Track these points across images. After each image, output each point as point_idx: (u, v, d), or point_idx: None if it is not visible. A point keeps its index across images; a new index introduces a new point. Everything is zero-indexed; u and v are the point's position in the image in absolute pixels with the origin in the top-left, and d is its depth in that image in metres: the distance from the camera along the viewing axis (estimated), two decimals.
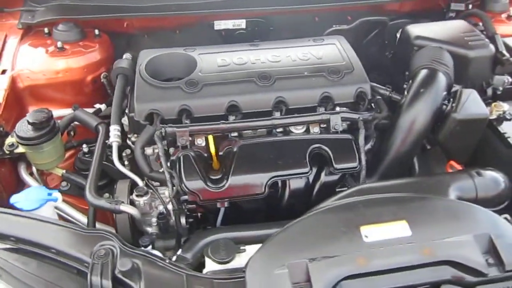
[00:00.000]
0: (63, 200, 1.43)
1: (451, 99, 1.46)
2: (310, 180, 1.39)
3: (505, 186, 1.34)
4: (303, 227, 1.14)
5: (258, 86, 1.46)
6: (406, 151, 1.46)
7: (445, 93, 1.48)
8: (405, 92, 1.49)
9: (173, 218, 1.34)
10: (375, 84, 1.58)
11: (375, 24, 2.03)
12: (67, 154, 1.62)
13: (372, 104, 1.57)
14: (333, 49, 1.62)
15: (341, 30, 1.94)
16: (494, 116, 1.57)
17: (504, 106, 1.59)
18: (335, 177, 1.39)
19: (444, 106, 1.45)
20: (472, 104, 1.43)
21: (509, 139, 1.50)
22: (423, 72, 1.50)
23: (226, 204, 1.33)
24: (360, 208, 1.18)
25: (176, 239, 1.30)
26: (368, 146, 1.48)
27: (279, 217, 1.28)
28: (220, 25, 2.01)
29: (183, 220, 1.37)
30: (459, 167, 1.46)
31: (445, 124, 1.43)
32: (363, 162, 1.37)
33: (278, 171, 1.31)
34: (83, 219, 1.46)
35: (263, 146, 1.36)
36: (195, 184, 1.28)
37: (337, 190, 1.40)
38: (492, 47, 1.65)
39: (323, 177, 1.37)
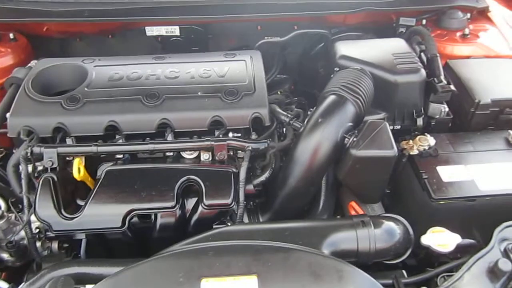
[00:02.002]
0: None
1: (356, 132, 1.28)
2: (184, 214, 1.26)
3: (401, 238, 1.17)
4: (137, 274, 1.01)
5: (144, 105, 1.34)
6: (301, 186, 1.30)
7: (350, 124, 1.30)
8: (306, 120, 1.33)
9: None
10: (278, 109, 1.42)
11: (321, 37, 1.86)
12: None
13: (284, 131, 1.43)
14: (240, 67, 1.47)
15: (274, 42, 1.78)
16: (415, 152, 1.39)
17: (430, 140, 1.40)
18: (212, 213, 1.25)
19: (346, 140, 1.28)
20: (377, 139, 1.25)
21: (426, 180, 1.32)
22: (328, 99, 1.33)
23: (84, 236, 1.22)
24: (209, 256, 1.04)
25: (28, 269, 1.21)
26: (262, 178, 1.33)
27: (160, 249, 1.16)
28: (153, 31, 1.90)
29: (54, 246, 1.27)
30: (359, 209, 1.29)
31: (344, 160, 1.26)
32: (242, 198, 1.22)
33: (139, 203, 1.19)
34: None
35: (130, 174, 1.24)
36: (47, 212, 1.18)
37: (214, 226, 1.26)
38: (423, 72, 1.46)
39: (197, 213, 1.24)
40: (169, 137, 1.34)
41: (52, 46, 1.92)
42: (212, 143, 1.29)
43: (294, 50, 1.99)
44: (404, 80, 1.44)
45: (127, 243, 1.28)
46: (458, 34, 1.74)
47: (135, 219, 1.26)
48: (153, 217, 1.25)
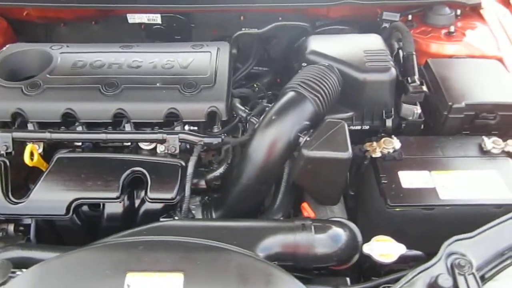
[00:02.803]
0: None
1: (311, 131, 1.24)
2: (133, 205, 1.25)
3: (346, 244, 1.12)
4: (65, 263, 1.02)
5: (102, 94, 1.33)
6: (252, 184, 1.26)
7: (307, 123, 1.26)
8: (262, 117, 1.29)
9: None
10: (237, 104, 1.39)
11: (304, 30, 1.80)
12: None
13: (244, 125, 1.40)
14: (204, 58, 1.44)
15: (251, 34, 1.74)
16: (378, 154, 1.33)
17: (395, 143, 1.34)
18: (158, 206, 1.24)
19: (301, 139, 1.23)
20: (332, 139, 1.20)
21: (384, 185, 1.27)
22: (286, 96, 1.29)
23: (31, 222, 1.23)
24: (139, 251, 1.03)
25: None
26: (216, 173, 1.31)
27: None
28: (134, 18, 1.89)
29: (10, 228, 1.30)
30: (310, 211, 1.25)
31: (297, 160, 1.22)
32: (187, 193, 1.20)
33: (84, 192, 1.18)
34: None
35: (79, 162, 1.24)
36: None
37: (161, 219, 1.25)
38: (393, 71, 1.39)
39: (144, 205, 1.23)
40: (128, 128, 1.34)
41: (37, 31, 1.94)
42: (164, 135, 1.27)
43: (280, 42, 1.95)
44: (372, 78, 1.38)
45: (78, 231, 1.29)
46: (444, 31, 1.65)
47: (85, 207, 1.27)
48: (102, 206, 1.25)
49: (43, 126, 1.34)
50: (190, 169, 1.21)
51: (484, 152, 1.36)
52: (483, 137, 1.37)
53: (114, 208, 1.23)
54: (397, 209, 1.23)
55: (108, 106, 1.31)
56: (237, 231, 1.10)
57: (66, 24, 1.95)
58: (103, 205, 1.24)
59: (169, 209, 1.25)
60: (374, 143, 1.35)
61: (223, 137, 1.30)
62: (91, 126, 1.35)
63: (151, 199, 1.19)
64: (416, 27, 1.70)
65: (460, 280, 1.01)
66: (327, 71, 1.35)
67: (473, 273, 1.02)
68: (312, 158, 1.17)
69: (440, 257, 1.06)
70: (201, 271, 0.99)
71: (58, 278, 0.97)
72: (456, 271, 1.03)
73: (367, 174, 1.35)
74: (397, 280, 1.05)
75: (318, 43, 1.49)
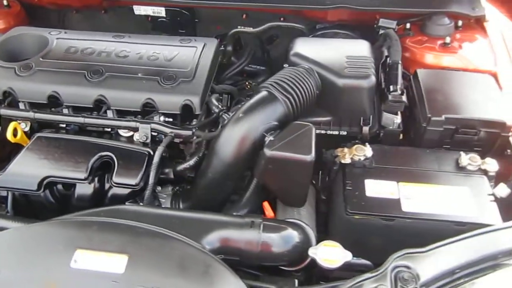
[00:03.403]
0: None
1: (278, 132, 1.25)
2: (102, 188, 1.30)
3: (296, 245, 1.14)
4: (21, 235, 1.09)
5: (86, 80, 1.39)
6: (217, 178, 1.28)
7: (275, 123, 1.27)
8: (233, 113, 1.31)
9: None
10: (212, 100, 1.41)
11: (299, 32, 1.81)
12: None
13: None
14: (189, 53, 1.47)
15: (247, 32, 1.76)
16: (347, 160, 1.32)
17: (367, 151, 1.33)
18: (125, 191, 1.28)
19: (266, 138, 1.24)
20: (296, 141, 1.20)
21: (348, 191, 1.26)
22: (258, 94, 1.30)
23: (7, 194, 1.31)
24: (92, 230, 1.08)
25: None
26: (185, 165, 1.35)
27: None
28: (140, 10, 1.96)
29: None
30: (270, 211, 1.26)
31: (259, 159, 1.24)
32: (151, 181, 1.25)
33: (55, 171, 1.25)
34: None
35: (56, 143, 1.31)
36: None
37: (127, 204, 1.30)
38: (372, 79, 1.37)
39: (112, 189, 1.28)
40: (110, 114, 1.40)
41: (51, 17, 2.05)
42: (138, 124, 1.32)
43: (281, 43, 1.96)
44: (350, 84, 1.36)
45: (51, 208, 1.36)
46: (439, 42, 1.61)
47: (60, 186, 1.34)
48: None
49: (34, 106, 1.43)
50: (156, 158, 1.26)
51: (460, 168, 1.32)
52: (461, 152, 1.34)
53: (84, 189, 1.29)
54: (357, 217, 1.22)
55: (90, 92, 1.38)
56: (187, 222, 1.13)
57: (77, 12, 2.05)
58: (75, 185, 1.30)
59: (136, 194, 1.30)
60: (345, 149, 1.34)
61: (194, 130, 1.33)
62: (78, 110, 1.42)
63: (115, 183, 1.24)
64: (412, 36, 1.66)
65: None
66: (304, 74, 1.35)
67: None
68: (273, 158, 1.19)
69: (386, 268, 1.05)
70: (145, 255, 1.03)
71: (10, 249, 1.03)
72: (399, 284, 1.02)
73: (336, 179, 1.35)
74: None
75: (303, 46, 1.49)
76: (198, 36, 1.98)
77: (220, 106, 1.39)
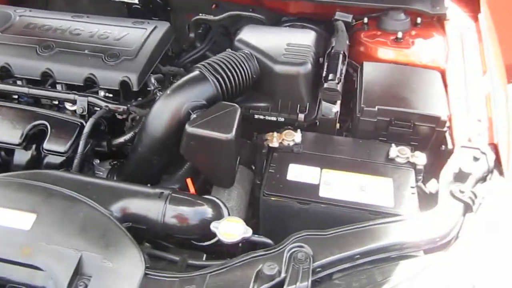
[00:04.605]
0: None
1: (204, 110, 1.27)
2: (39, 155, 1.36)
3: (205, 220, 1.15)
4: None
5: (37, 54, 1.46)
6: (145, 153, 1.32)
7: (203, 102, 1.29)
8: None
9: None
10: (151, 79, 1.45)
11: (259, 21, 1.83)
12: None
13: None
14: (138, 34, 1.52)
15: (207, 20, 1.80)
16: (275, 144, 1.34)
17: (296, 137, 1.34)
18: (58, 159, 1.34)
19: (192, 116, 1.27)
20: (219, 120, 1.22)
21: (269, 173, 1.27)
22: (190, 74, 1.34)
23: None
24: (10, 189, 1.15)
25: None
26: (121, 139, 1.39)
27: None
28: None
29: None
30: (191, 187, 1.28)
31: (182, 135, 1.26)
32: (80, 150, 1.29)
33: None
34: None
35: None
36: None
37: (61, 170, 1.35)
38: (308, 66, 1.38)
39: (46, 157, 1.34)
40: (59, 88, 1.46)
41: (36, 3, 2.15)
42: (76, 96, 1.38)
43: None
44: (285, 70, 1.38)
45: None
46: (392, 37, 1.60)
47: (3, 152, 1.41)
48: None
49: None
50: (86, 129, 1.31)
51: (389, 160, 1.31)
52: (392, 144, 1.33)
53: (21, 155, 1.35)
54: (273, 198, 1.23)
55: (39, 65, 1.44)
56: (99, 188, 1.17)
57: None
58: (14, 151, 1.37)
59: (69, 164, 1.35)
60: (275, 134, 1.35)
61: (128, 106, 1.37)
62: (32, 83, 1.49)
63: (45, 149, 1.30)
64: (367, 30, 1.65)
65: (293, 272, 1.00)
66: (239, 58, 1.38)
67: (308, 268, 1.01)
68: (193, 135, 1.21)
69: (283, 248, 1.06)
70: (52, 215, 1.08)
71: None
72: (292, 263, 1.02)
73: (264, 163, 1.36)
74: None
75: (248, 33, 1.52)
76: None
77: (156, 85, 1.43)
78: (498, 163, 1.22)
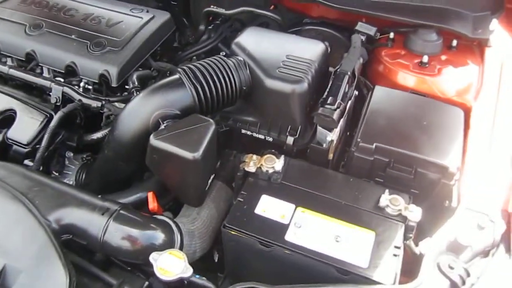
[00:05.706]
0: None
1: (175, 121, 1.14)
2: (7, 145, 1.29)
3: (148, 245, 1.04)
4: None
5: (25, 33, 1.39)
6: (110, 156, 1.22)
7: (176, 112, 1.16)
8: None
9: None
10: (133, 76, 1.32)
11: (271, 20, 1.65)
12: None
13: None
14: (133, 23, 1.40)
15: (218, 13, 1.64)
16: (251, 169, 1.18)
17: (277, 164, 1.17)
18: (23, 150, 1.26)
19: (162, 126, 1.14)
20: (187, 135, 1.08)
21: (238, 202, 1.12)
22: (170, 77, 1.20)
23: None
24: None
25: None
26: (93, 136, 1.30)
27: None
28: None
29: None
30: (152, 202, 1.16)
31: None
32: (43, 144, 1.21)
33: None
34: None
35: None
36: None
37: (25, 162, 1.28)
38: (304, 85, 1.20)
39: (13, 147, 1.26)
40: (46, 72, 1.38)
41: None
42: (52, 84, 1.29)
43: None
44: (276, 87, 1.21)
45: None
46: (416, 60, 1.37)
47: None
48: None
49: None
50: (53, 122, 1.22)
51: (378, 208, 1.12)
52: (386, 190, 1.13)
53: None
54: (232, 232, 1.09)
55: (24, 44, 1.37)
56: (46, 190, 1.07)
57: None
58: None
59: (35, 154, 1.27)
60: (254, 157, 1.20)
61: (103, 102, 1.27)
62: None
63: (8, 138, 1.23)
64: (390, 48, 1.43)
65: None
66: (228, 66, 1.22)
67: None
68: (156, 148, 1.08)
69: None
70: None
71: None
72: None
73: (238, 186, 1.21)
74: None
75: (248, 36, 1.34)
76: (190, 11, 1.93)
77: (135, 83, 1.31)
78: (507, 237, 1.01)
